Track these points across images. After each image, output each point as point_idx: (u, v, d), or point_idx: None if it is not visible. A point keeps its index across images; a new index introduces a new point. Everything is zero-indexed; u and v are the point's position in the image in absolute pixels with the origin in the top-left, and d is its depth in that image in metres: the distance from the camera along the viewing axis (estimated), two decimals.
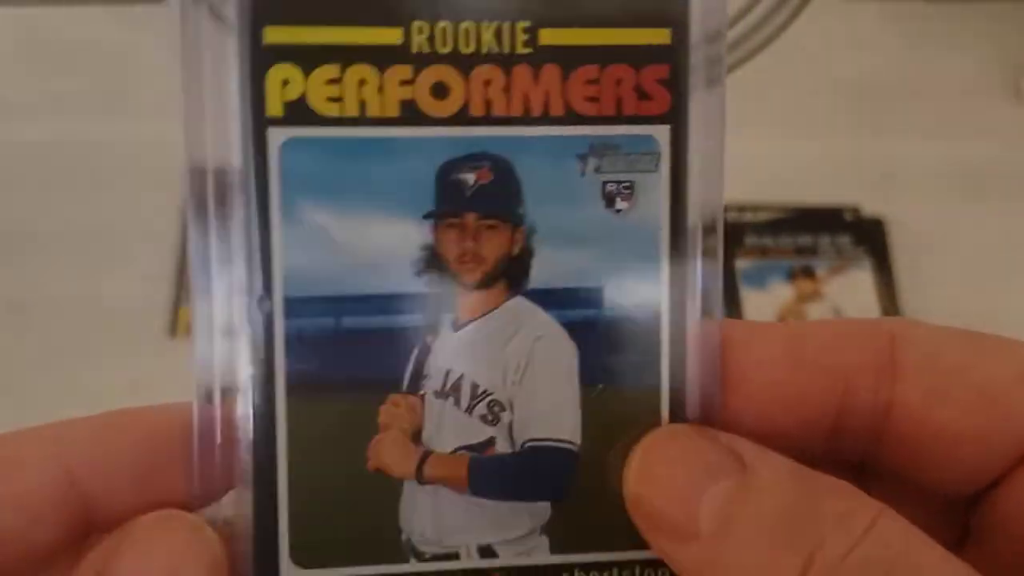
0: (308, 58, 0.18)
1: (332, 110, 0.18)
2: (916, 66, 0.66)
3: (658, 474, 0.17)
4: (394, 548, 0.18)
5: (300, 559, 0.18)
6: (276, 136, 0.18)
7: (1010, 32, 0.68)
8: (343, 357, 0.18)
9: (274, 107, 0.18)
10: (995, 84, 0.67)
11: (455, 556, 0.19)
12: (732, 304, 0.54)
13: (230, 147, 0.18)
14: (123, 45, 0.67)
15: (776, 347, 0.18)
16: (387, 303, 0.18)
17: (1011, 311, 0.57)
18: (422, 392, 0.18)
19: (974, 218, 0.60)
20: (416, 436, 0.18)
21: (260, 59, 0.18)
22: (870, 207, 0.60)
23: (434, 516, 0.19)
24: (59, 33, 0.68)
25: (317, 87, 0.18)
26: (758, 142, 0.64)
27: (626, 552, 0.18)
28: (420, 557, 0.18)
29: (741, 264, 0.56)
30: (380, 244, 0.18)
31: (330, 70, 0.18)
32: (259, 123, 0.18)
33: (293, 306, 0.18)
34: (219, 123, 0.18)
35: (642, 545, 0.18)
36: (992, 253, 0.59)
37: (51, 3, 0.69)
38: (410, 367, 0.18)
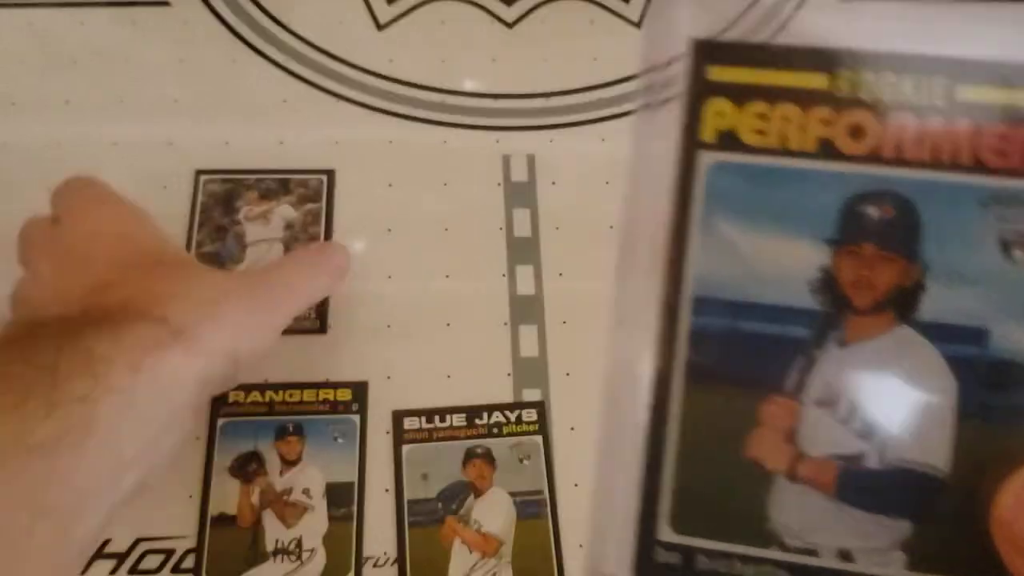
0: (742, 95, 0.21)
1: (757, 141, 0.20)
2: None
3: None
4: (760, 533, 0.20)
5: (676, 525, 0.20)
6: (706, 159, 0.20)
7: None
8: (736, 356, 0.20)
9: (707, 134, 0.21)
10: None
11: (815, 553, 0.20)
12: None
13: (666, 165, 0.20)
14: (125, 46, 0.67)
15: None
16: (781, 314, 0.20)
17: None
18: (802, 398, 0.20)
19: None
20: (791, 437, 0.20)
21: (701, 92, 0.21)
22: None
23: (800, 512, 0.20)
24: (61, 34, 0.68)
25: (747, 120, 0.20)
26: None
27: None
28: (783, 547, 0.20)
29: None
30: (782, 261, 0.20)
31: (760, 106, 0.20)
32: (692, 146, 0.21)
33: (698, 305, 0.21)
34: (662, 141, 0.21)
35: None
36: None
37: (54, 5, 0.69)
38: (794, 374, 0.20)
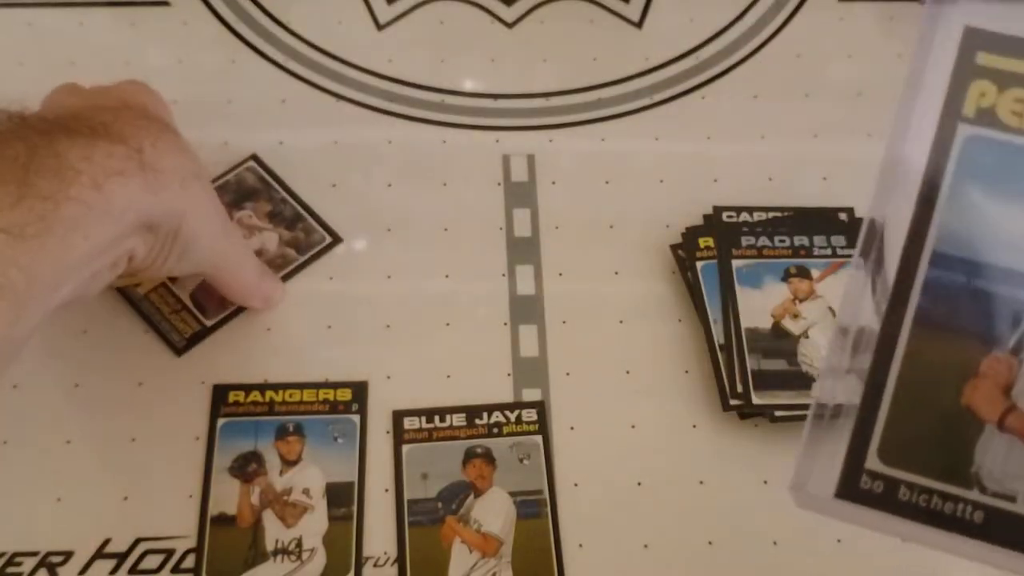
0: (1005, 80, 0.23)
1: (1013, 121, 0.23)
2: None
3: None
4: (963, 474, 0.22)
5: (884, 455, 0.22)
6: (964, 131, 0.23)
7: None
8: (965, 309, 0.22)
9: (969, 110, 0.23)
10: None
11: (1013, 499, 0.22)
12: (729, 303, 0.55)
13: (927, 129, 0.23)
14: (124, 47, 0.67)
15: None
16: (1014, 278, 0.22)
17: None
18: (1021, 356, 0.22)
19: None
20: (1006, 390, 0.22)
21: (968, 73, 0.23)
22: (865, 209, 0.60)
23: (1005, 460, 0.22)
24: (61, 35, 0.68)
25: (1006, 103, 0.23)
26: (754, 143, 0.65)
27: None
28: (983, 490, 0.22)
29: (737, 264, 0.56)
30: (1021, 230, 0.22)
31: (1020, 92, 0.23)
32: (953, 118, 0.23)
33: (937, 259, 0.22)
34: (926, 114, 0.23)
35: None
36: None
37: (54, 5, 0.69)
38: (1018, 334, 0.22)
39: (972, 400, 0.22)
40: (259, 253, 0.57)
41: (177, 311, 0.55)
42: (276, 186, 0.60)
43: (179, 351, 0.54)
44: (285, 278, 0.57)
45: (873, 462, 0.22)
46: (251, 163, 0.60)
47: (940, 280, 0.22)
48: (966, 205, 0.23)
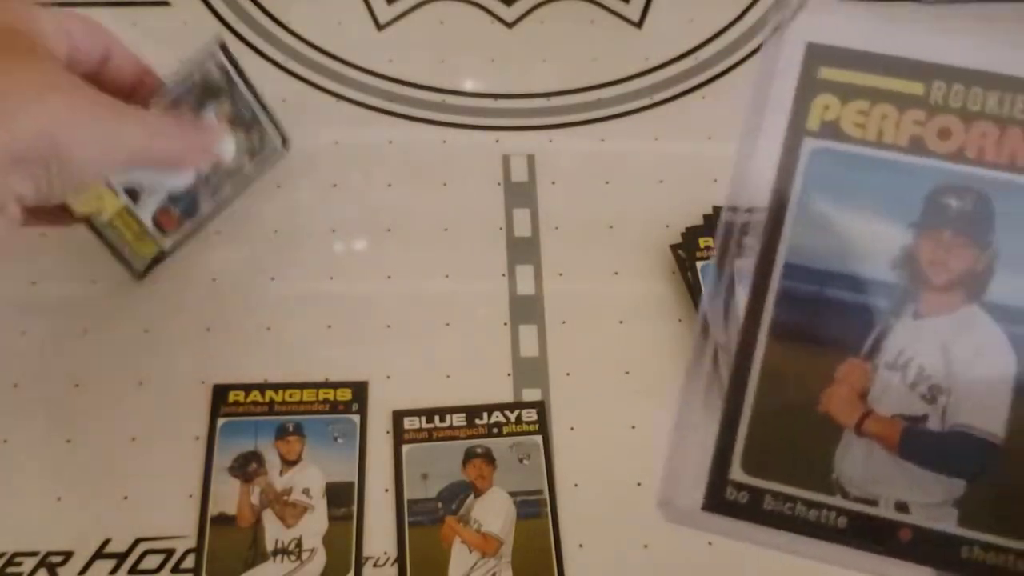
0: (847, 93, 0.24)
1: (857, 133, 0.23)
2: None
3: None
4: (825, 481, 0.22)
5: (748, 466, 0.22)
6: (809, 144, 0.24)
7: (1006, 34, 0.69)
8: (818, 318, 0.23)
9: (813, 123, 0.24)
10: None
11: (874, 503, 0.22)
12: (730, 302, 0.55)
13: (774, 144, 0.24)
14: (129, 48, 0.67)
15: None
16: (864, 285, 0.23)
17: None
18: (875, 362, 0.23)
19: None
20: (863, 395, 0.22)
21: (811, 88, 0.24)
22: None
23: (864, 465, 0.22)
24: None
25: (849, 114, 0.24)
26: None
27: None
28: (845, 495, 0.22)
29: (738, 264, 0.56)
30: (869, 238, 0.23)
31: (862, 104, 0.24)
32: (798, 132, 0.24)
33: (789, 270, 0.23)
34: (772, 130, 0.24)
35: None
36: None
37: (53, 5, 0.69)
38: (871, 339, 0.23)
39: (829, 407, 0.22)
40: (216, 167, 0.56)
41: (140, 236, 0.54)
42: (239, 82, 0.55)
43: (140, 275, 0.56)
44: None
45: (737, 473, 0.23)
46: (219, 55, 0.54)
47: (793, 291, 0.23)
48: (815, 216, 0.23)
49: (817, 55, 0.24)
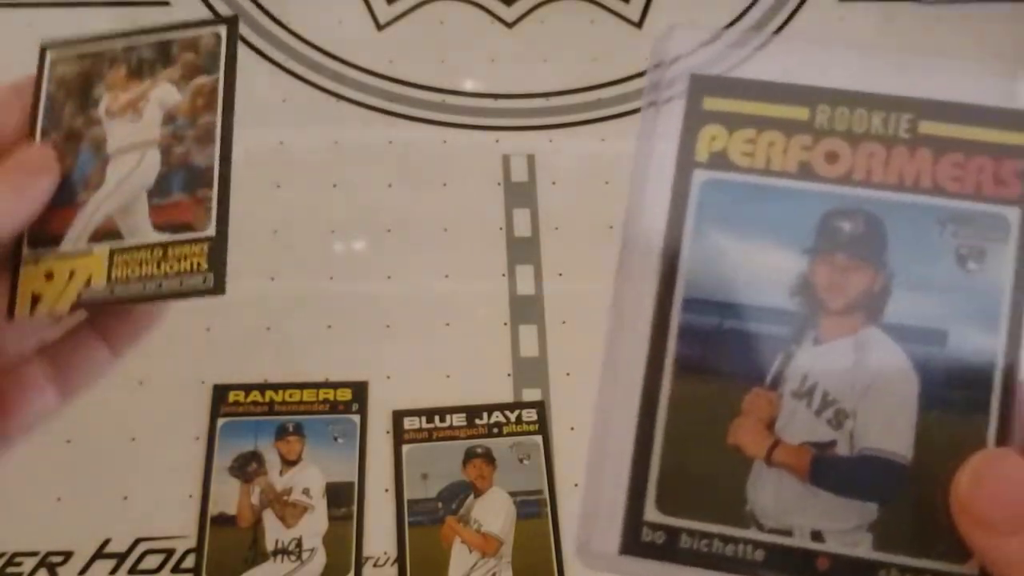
0: (733, 122, 0.24)
1: (745, 162, 0.23)
2: None
3: (991, 482, 0.21)
4: (739, 515, 0.22)
5: (662, 505, 0.22)
6: (700, 176, 0.23)
7: (1005, 35, 0.69)
8: (721, 351, 0.23)
9: (701, 155, 0.24)
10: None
11: (789, 533, 0.22)
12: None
13: (664, 179, 0.24)
14: None
15: None
16: (763, 314, 0.23)
17: None
18: (780, 390, 0.23)
19: None
20: (770, 425, 0.22)
21: (698, 119, 0.24)
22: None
23: (776, 495, 0.22)
24: (63, 35, 0.68)
25: (737, 143, 0.23)
26: None
27: (940, 563, 0.22)
28: (760, 527, 0.22)
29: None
30: (765, 267, 0.23)
31: (749, 132, 0.24)
32: (688, 165, 0.24)
33: (688, 304, 0.23)
34: (660, 161, 0.24)
35: (955, 559, 0.21)
36: None
37: (54, 5, 0.69)
38: (774, 368, 0.23)
39: (738, 438, 0.22)
40: (166, 122, 0.33)
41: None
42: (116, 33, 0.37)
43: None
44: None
45: (652, 513, 0.22)
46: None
47: (694, 325, 0.23)
48: (710, 248, 0.23)
49: (701, 85, 0.24)
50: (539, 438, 0.52)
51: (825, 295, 0.23)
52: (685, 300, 0.23)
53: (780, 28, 0.71)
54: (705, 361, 0.23)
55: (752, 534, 0.22)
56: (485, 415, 0.53)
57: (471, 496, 0.50)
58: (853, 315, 0.23)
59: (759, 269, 0.23)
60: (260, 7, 0.70)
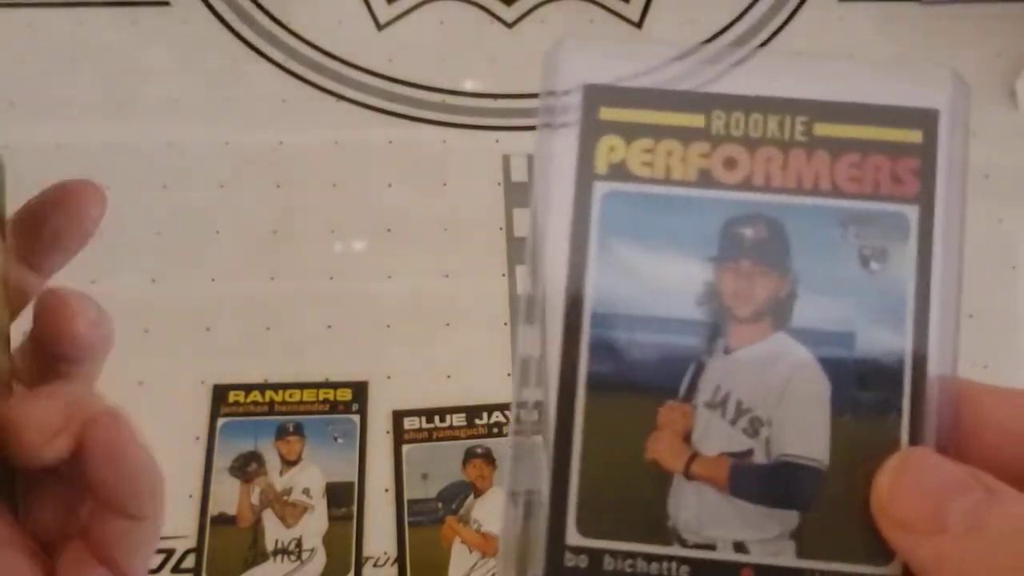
0: (630, 132, 0.23)
1: (645, 172, 0.23)
2: None
3: (909, 482, 0.21)
4: (661, 531, 0.22)
5: (584, 528, 0.22)
6: (600, 188, 0.23)
7: (1004, 35, 0.69)
8: (633, 365, 0.22)
9: (601, 166, 0.23)
10: (989, 87, 0.67)
11: (712, 547, 0.22)
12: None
13: (566, 194, 0.23)
14: (125, 47, 0.67)
15: (1009, 410, 0.22)
16: (672, 325, 0.23)
17: (1004, 311, 0.57)
18: (694, 402, 0.22)
19: (968, 219, 0.60)
20: (686, 438, 0.22)
21: (594, 130, 0.23)
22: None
23: (697, 509, 0.22)
24: (62, 35, 0.68)
25: (635, 154, 0.23)
26: None
27: (864, 566, 0.22)
28: (683, 543, 0.22)
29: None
30: (671, 278, 0.23)
31: (646, 142, 0.23)
32: (588, 178, 0.23)
33: (597, 319, 0.22)
34: (560, 176, 0.23)
35: (878, 561, 0.21)
36: (986, 254, 0.60)
37: (54, 5, 0.69)
38: (687, 380, 0.22)
39: (655, 453, 0.22)
40: None
41: None
42: None
43: None
44: None
45: (573, 537, 0.22)
46: None
47: (603, 340, 0.23)
48: (614, 261, 0.23)
49: (595, 96, 0.24)
50: (539, 438, 0.52)
51: (732, 303, 0.23)
52: (593, 315, 0.22)
53: (780, 28, 0.71)
54: (618, 376, 0.22)
55: (675, 550, 0.22)
56: (485, 415, 0.53)
57: (471, 496, 0.50)
58: (761, 321, 0.23)
59: (665, 280, 0.23)
60: (260, 7, 0.70)
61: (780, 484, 0.22)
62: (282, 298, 0.57)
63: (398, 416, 0.53)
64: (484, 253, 0.59)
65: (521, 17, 0.71)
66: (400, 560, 0.48)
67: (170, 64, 0.67)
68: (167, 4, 0.70)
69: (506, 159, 0.63)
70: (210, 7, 0.70)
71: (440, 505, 0.50)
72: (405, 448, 0.51)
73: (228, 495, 0.50)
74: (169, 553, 0.48)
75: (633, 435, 0.22)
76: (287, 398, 0.53)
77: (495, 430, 0.52)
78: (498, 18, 0.71)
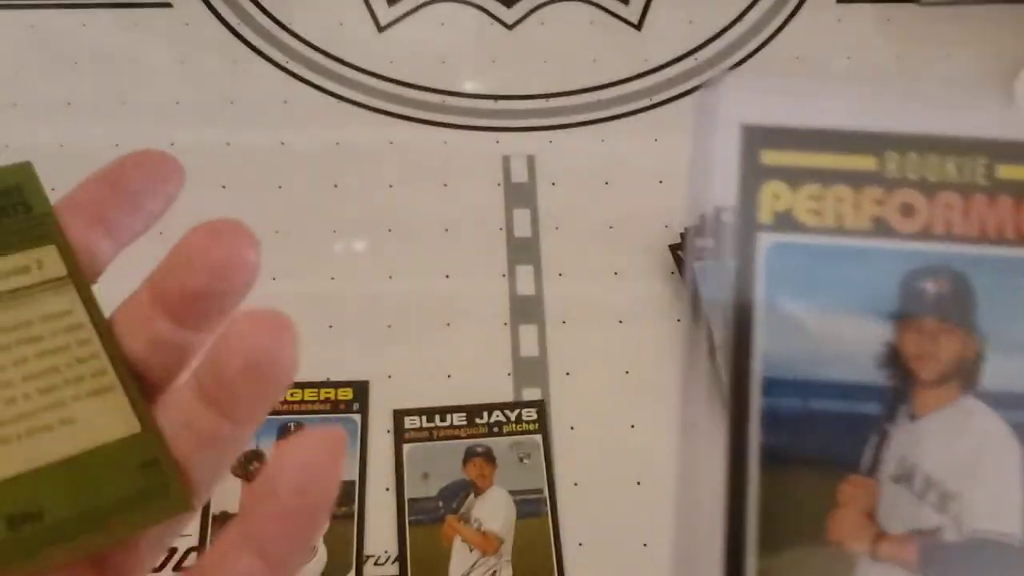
0: (796, 177, 0.21)
1: (814, 221, 0.21)
2: (910, 68, 0.67)
3: None
4: None
5: None
6: (765, 240, 0.21)
7: (1003, 35, 0.69)
8: (809, 436, 0.20)
9: (764, 216, 0.21)
10: (989, 87, 0.67)
11: None
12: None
13: (726, 250, 0.21)
14: (127, 48, 0.68)
15: None
16: (851, 391, 0.20)
17: None
18: (878, 475, 0.20)
19: None
20: (871, 515, 0.20)
21: (756, 176, 0.21)
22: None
23: None
24: (63, 36, 0.68)
25: (802, 201, 0.21)
26: None
27: None
28: None
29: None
30: (847, 338, 0.20)
31: (813, 188, 0.21)
32: (751, 228, 0.21)
33: (768, 386, 0.20)
34: (722, 229, 0.21)
35: None
36: None
37: (56, 6, 0.69)
38: (869, 451, 0.20)
39: (839, 534, 0.20)
40: None
41: None
42: None
43: None
44: None
45: None
46: None
47: (776, 408, 0.20)
48: (785, 321, 0.21)
49: (755, 138, 0.21)
50: (539, 437, 0.52)
51: (915, 364, 0.20)
52: (764, 380, 0.20)
53: (780, 29, 0.71)
54: (793, 449, 0.20)
55: None
56: (485, 414, 0.53)
57: (471, 495, 0.50)
58: (947, 385, 0.20)
59: (840, 340, 0.20)
60: (261, 9, 0.71)
61: (974, 563, 0.20)
62: (283, 298, 0.57)
63: (399, 415, 0.53)
64: (484, 253, 0.59)
65: (521, 19, 0.71)
66: (401, 558, 0.48)
67: (172, 65, 0.67)
68: (169, 6, 0.70)
69: (506, 160, 0.63)
70: (212, 9, 0.70)
71: (441, 504, 0.50)
72: (406, 447, 0.52)
73: (229, 494, 0.50)
74: (171, 552, 0.48)
75: (813, 514, 0.20)
76: (288, 397, 0.53)
77: (495, 429, 0.52)
78: (498, 20, 0.71)
